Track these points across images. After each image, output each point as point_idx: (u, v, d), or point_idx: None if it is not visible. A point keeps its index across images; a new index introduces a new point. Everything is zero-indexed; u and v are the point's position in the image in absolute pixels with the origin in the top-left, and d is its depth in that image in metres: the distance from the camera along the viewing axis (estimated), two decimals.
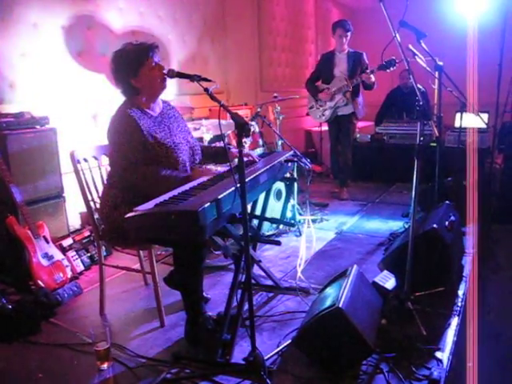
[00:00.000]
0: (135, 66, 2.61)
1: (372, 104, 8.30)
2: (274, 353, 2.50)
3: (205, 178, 2.57)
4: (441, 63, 3.54)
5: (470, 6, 5.19)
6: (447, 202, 3.62)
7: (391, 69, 4.81)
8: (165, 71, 2.62)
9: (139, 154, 2.57)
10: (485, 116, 5.53)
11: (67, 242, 3.69)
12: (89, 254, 3.81)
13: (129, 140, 2.56)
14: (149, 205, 2.14)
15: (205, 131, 4.20)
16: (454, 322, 2.76)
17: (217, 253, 3.82)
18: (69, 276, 3.42)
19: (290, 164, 3.21)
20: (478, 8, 5.18)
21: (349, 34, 5.42)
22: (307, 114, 5.86)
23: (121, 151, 2.59)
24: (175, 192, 2.33)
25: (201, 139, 4.07)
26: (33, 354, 2.63)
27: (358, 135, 7.17)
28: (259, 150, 4.63)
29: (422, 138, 2.70)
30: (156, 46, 2.69)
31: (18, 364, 2.55)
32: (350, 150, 5.79)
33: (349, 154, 5.77)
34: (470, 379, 2.35)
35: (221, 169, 2.74)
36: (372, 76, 5.15)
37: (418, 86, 2.85)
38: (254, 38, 7.01)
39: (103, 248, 3.14)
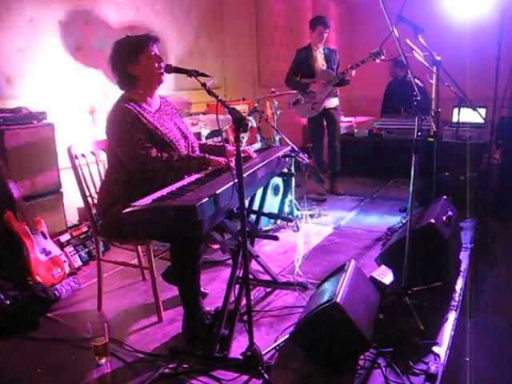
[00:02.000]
0: (135, 51, 2.62)
1: (371, 98, 8.33)
2: (271, 348, 2.50)
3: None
4: (439, 58, 3.54)
5: (468, 1, 5.19)
6: (445, 197, 3.62)
7: (378, 59, 4.86)
8: (162, 64, 2.63)
9: (146, 136, 2.59)
10: (482, 111, 5.54)
11: (65, 238, 3.69)
12: (86, 250, 3.81)
13: (133, 125, 2.56)
14: (146, 200, 2.14)
15: (202, 126, 4.19)
16: (452, 316, 2.77)
17: (214, 247, 3.82)
18: (67, 271, 3.41)
19: (287, 159, 3.22)
20: (475, 2, 5.17)
21: (328, 30, 5.46)
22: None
23: (126, 139, 2.57)
24: (173, 187, 2.33)
25: (198, 134, 4.07)
26: (31, 350, 2.63)
27: (355, 130, 7.17)
28: (257, 145, 4.63)
29: (419, 133, 2.69)
30: (157, 39, 2.71)
31: (16, 359, 2.55)
32: (339, 141, 5.80)
33: (338, 145, 5.76)
34: (468, 373, 2.35)
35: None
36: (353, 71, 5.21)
37: (416, 80, 2.85)
38: (251, 33, 6.99)
39: (101, 243, 3.14)
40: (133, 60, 2.62)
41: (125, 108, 2.60)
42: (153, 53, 2.64)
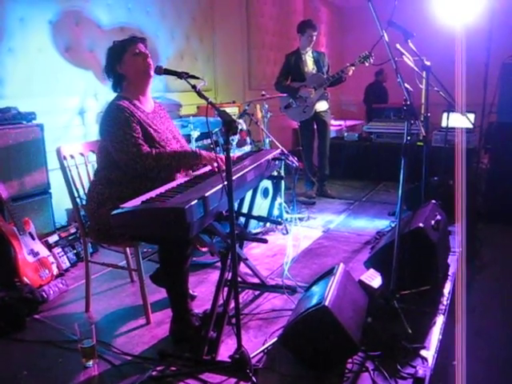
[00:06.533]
0: (119, 52, 2.73)
1: (361, 102, 8.36)
2: (259, 351, 2.50)
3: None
4: (428, 63, 3.56)
5: (457, 7, 5.23)
6: (433, 201, 3.64)
7: (367, 63, 4.90)
8: (149, 60, 2.73)
9: (139, 135, 2.61)
10: (471, 116, 5.58)
11: (53, 239, 3.67)
12: (75, 251, 3.78)
13: (127, 122, 2.59)
14: (135, 202, 2.14)
15: (192, 129, 4.18)
16: (440, 320, 2.78)
17: (203, 250, 3.81)
18: (54, 273, 3.39)
19: (277, 162, 3.22)
20: (465, 8, 5.22)
21: (316, 33, 5.49)
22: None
23: (118, 136, 2.58)
24: (162, 189, 2.33)
25: (188, 136, 4.06)
26: (17, 351, 2.61)
27: (345, 134, 7.20)
28: (247, 148, 4.63)
29: (409, 138, 2.71)
30: (143, 38, 2.81)
31: (3, 361, 2.53)
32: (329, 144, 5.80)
33: (328, 148, 5.75)
34: (455, 377, 2.36)
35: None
36: (351, 69, 5.19)
37: (406, 85, 2.86)
38: (242, 36, 7.00)
39: (89, 245, 3.12)
40: (119, 60, 2.72)
41: (119, 105, 2.64)
42: (137, 50, 2.72)
